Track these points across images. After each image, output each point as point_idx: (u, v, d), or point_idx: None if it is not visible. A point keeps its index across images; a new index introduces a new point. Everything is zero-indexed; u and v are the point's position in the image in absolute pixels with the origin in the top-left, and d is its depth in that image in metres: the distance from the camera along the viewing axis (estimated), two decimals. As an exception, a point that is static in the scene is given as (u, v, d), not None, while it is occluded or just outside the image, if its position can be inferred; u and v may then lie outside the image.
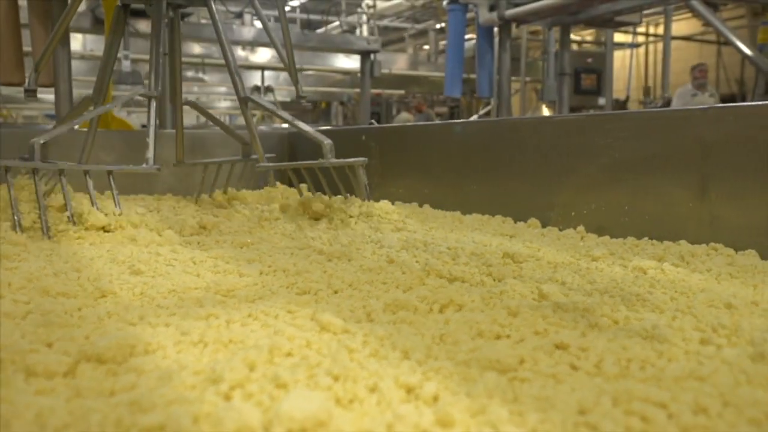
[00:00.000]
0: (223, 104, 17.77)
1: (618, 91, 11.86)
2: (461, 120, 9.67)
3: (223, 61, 8.39)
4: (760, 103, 1.80)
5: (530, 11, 4.88)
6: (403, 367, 0.89)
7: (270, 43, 8.99)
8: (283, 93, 15.22)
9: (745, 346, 0.98)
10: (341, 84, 14.73)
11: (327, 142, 2.58)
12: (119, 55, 6.94)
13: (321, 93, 15.79)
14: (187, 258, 1.69)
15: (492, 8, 5.06)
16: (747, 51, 5.13)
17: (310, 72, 13.55)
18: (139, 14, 6.57)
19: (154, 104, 2.43)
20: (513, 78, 10.63)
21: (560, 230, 2.22)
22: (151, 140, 2.28)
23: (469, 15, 6.03)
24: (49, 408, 0.73)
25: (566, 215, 2.25)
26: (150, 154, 2.27)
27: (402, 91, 14.67)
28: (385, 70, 10.82)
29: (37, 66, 2.59)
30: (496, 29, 5.33)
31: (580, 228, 2.15)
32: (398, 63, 12.14)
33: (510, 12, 4.99)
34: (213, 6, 2.83)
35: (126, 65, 6.57)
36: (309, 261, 1.66)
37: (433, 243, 1.93)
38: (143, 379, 0.84)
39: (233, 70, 2.70)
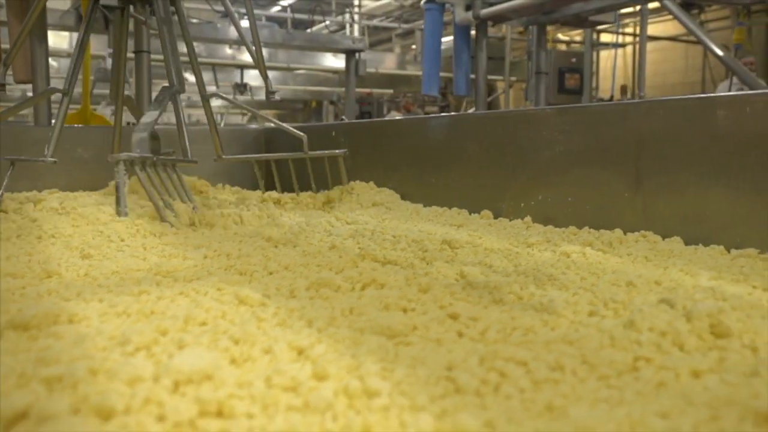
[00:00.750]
0: (213, 103, 17.80)
1: (606, 90, 11.95)
2: (423, 115, 9.73)
3: (210, 60, 8.38)
4: (688, 96, 1.89)
5: (505, 10, 4.97)
6: (302, 334, 0.97)
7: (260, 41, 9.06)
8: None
9: (625, 317, 1.06)
10: (331, 83, 14.79)
11: (304, 136, 2.78)
12: (104, 53, 7.00)
13: (311, 92, 15.84)
14: (138, 244, 1.77)
15: (468, 8, 5.15)
16: (718, 52, 5.23)
17: (300, 71, 13.60)
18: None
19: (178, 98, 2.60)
20: (499, 77, 10.75)
21: (510, 221, 2.29)
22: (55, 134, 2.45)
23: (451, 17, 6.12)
24: (-37, 363, 0.80)
25: (516, 206, 2.33)
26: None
27: (391, 91, 14.74)
28: (372, 70, 10.90)
29: (6, 61, 2.65)
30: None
31: (527, 218, 2.23)
32: (386, 62, 12.20)
33: (485, 11, 5.07)
34: (181, 4, 2.89)
35: (110, 62, 6.61)
36: (254, 247, 1.73)
37: (380, 232, 2.01)
38: (59, 342, 0.92)
39: (196, 68, 2.77)
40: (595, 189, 2.06)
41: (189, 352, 0.83)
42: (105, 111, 8.05)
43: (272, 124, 3.24)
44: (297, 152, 2.89)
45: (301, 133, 2.87)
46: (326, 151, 2.80)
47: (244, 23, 3.19)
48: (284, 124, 3.01)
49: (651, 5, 8.58)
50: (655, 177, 1.89)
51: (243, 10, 3.14)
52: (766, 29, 10.86)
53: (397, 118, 9.65)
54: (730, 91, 6.50)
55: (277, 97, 3.17)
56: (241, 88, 11.26)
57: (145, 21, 3.61)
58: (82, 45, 2.78)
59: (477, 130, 2.58)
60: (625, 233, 1.89)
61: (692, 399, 0.74)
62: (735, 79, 5.94)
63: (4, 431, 0.67)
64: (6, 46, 3.85)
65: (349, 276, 1.35)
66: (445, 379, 0.80)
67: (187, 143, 2.68)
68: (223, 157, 2.82)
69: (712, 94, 1.77)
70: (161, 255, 1.65)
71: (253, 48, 2.97)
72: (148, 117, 2.59)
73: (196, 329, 0.99)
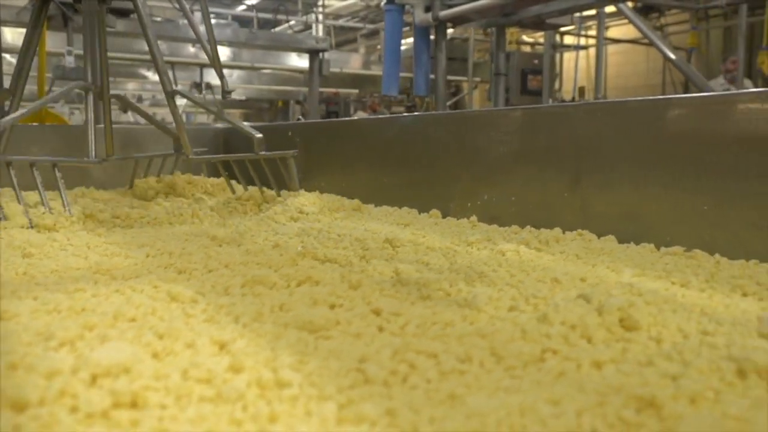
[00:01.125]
0: (178, 102, 17.66)
1: (568, 92, 12.11)
2: (378, 116, 9.79)
3: (173, 58, 8.29)
4: (624, 99, 1.95)
5: (464, 12, 5.03)
6: (227, 329, 1.00)
7: (223, 41, 9.02)
8: (238, 91, 15.21)
9: (543, 312, 1.10)
10: (297, 83, 14.76)
11: (258, 136, 2.77)
12: (62, 50, 6.93)
13: (277, 92, 15.81)
14: (82, 243, 1.78)
15: (427, 9, 5.20)
16: (671, 55, 5.34)
17: (266, 70, 13.56)
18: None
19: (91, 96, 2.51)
20: (464, 78, 10.83)
21: (457, 220, 2.34)
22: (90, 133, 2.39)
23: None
24: None
25: (463, 206, 2.38)
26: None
27: (357, 91, 14.76)
28: (337, 70, 10.91)
29: None
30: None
31: (473, 218, 2.28)
32: (351, 62, 12.22)
33: (444, 13, 5.13)
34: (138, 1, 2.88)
35: (70, 61, 6.56)
36: (198, 246, 1.75)
37: (327, 231, 2.04)
38: (-15, 338, 0.93)
39: (159, 66, 2.75)
40: (537, 189, 2.12)
41: (109, 346, 0.86)
42: (63, 109, 7.96)
43: (233, 123, 3.26)
44: (249, 153, 2.91)
45: (257, 133, 2.88)
46: (277, 152, 2.81)
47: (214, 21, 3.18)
48: (241, 124, 3.02)
49: (611, 9, 8.72)
50: (593, 177, 1.95)
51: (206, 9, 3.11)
52: (723, 33, 11.11)
53: (355, 118, 9.69)
54: (720, 89, 6.59)
55: (234, 96, 3.21)
56: (201, 87, 11.19)
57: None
58: (31, 42, 2.75)
59: (426, 131, 2.63)
60: (564, 232, 1.94)
61: (585, 387, 0.78)
62: (722, 79, 6.05)
63: None
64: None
65: (286, 274, 1.38)
66: (355, 370, 0.84)
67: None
68: (193, 156, 2.81)
69: (644, 98, 1.83)
70: (103, 254, 1.66)
71: (209, 46, 2.98)
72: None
73: (124, 325, 1.01)
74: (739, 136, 1.60)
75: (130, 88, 14.86)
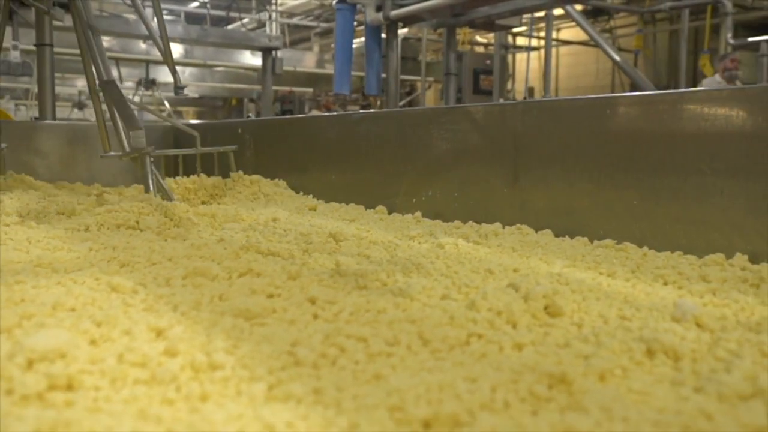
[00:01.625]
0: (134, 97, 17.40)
1: (521, 92, 12.30)
2: (322, 114, 9.84)
3: (123, 54, 8.14)
4: (558, 98, 2.02)
5: (414, 12, 5.09)
6: (165, 317, 1.02)
7: (175, 38, 8.93)
8: (191, 89, 15.07)
9: (472, 299, 1.15)
10: (251, 81, 14.67)
11: (196, 133, 2.81)
12: (8, 45, 6.79)
13: (230, 89, 15.69)
14: (22, 237, 1.77)
15: (379, 8, 5.25)
16: (616, 57, 5.49)
17: (219, 68, 13.46)
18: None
19: None
20: (418, 78, 10.91)
21: (402, 215, 2.39)
22: None
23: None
24: None
25: (408, 202, 2.43)
26: None
27: (312, 90, 14.74)
28: (290, 68, 10.90)
29: None
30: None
31: (418, 213, 2.33)
32: (305, 61, 12.21)
33: (395, 12, 5.18)
34: None
35: (15, 56, 6.43)
36: (142, 240, 1.77)
37: (272, 226, 2.07)
38: None
39: (95, 52, 2.68)
40: (479, 185, 2.17)
41: (45, 332, 0.88)
42: (8, 105, 7.80)
43: (172, 122, 3.28)
44: (190, 148, 2.98)
45: (194, 131, 2.97)
46: (218, 147, 2.90)
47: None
48: (179, 121, 3.09)
49: (560, 11, 8.89)
50: (530, 173, 2.01)
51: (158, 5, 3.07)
52: (669, 36, 11.40)
53: (303, 116, 9.72)
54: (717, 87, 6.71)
55: (187, 93, 3.23)
56: (148, 83, 11.06)
57: (48, 11, 3.50)
58: None
59: (371, 129, 2.67)
60: (504, 227, 2.00)
61: (502, 366, 0.83)
62: (718, 77, 6.18)
63: None
64: None
65: (228, 266, 1.40)
66: (287, 353, 0.88)
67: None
68: (110, 154, 2.81)
69: (578, 97, 1.90)
70: (45, 248, 1.66)
71: (161, 42, 2.95)
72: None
73: (63, 314, 1.03)
74: (664, 134, 1.68)
75: (80, 85, 14.61)
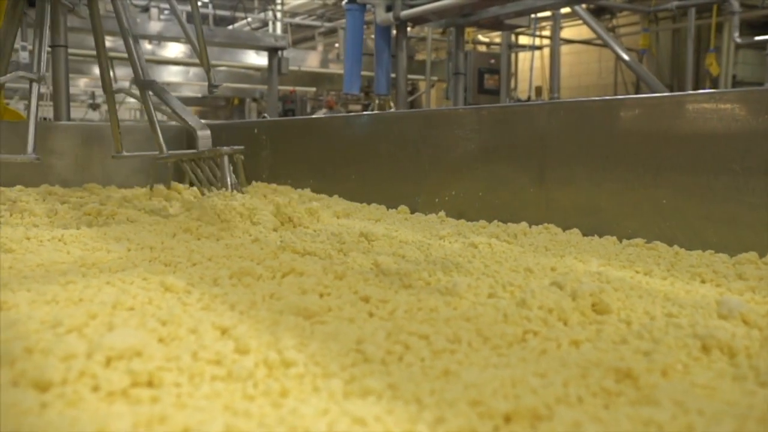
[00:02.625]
0: (130, 99, 17.40)
1: (524, 91, 12.32)
2: (345, 114, 9.86)
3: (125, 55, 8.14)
4: (586, 99, 2.04)
5: (424, 12, 5.11)
6: (225, 316, 1.05)
7: (177, 38, 8.94)
8: (195, 89, 15.10)
9: (519, 297, 1.18)
10: (253, 80, 14.69)
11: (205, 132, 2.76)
12: (16, 45, 6.82)
13: (233, 89, 15.70)
14: (57, 239, 1.79)
15: (388, 8, 5.27)
16: (625, 57, 5.51)
17: (222, 68, 13.48)
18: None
19: (35, 88, 2.35)
20: (422, 77, 10.93)
21: (425, 215, 2.41)
22: (32, 127, 2.24)
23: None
24: None
25: (431, 202, 2.45)
26: (30, 142, 2.22)
27: (314, 89, 14.76)
28: (294, 68, 10.91)
29: None
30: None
31: (441, 213, 2.35)
32: (309, 60, 12.22)
33: (405, 12, 5.20)
34: None
35: (24, 56, 6.47)
36: (177, 240, 1.79)
37: (302, 226, 2.09)
38: (-9, 326, 0.97)
39: (133, 53, 2.62)
40: (504, 185, 2.20)
41: (119, 331, 0.90)
42: (18, 106, 7.81)
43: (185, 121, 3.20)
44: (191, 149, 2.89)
45: (207, 129, 2.90)
46: (225, 148, 2.74)
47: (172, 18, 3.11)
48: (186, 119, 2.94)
49: (565, 10, 8.91)
50: (557, 173, 2.04)
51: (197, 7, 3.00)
52: (671, 35, 11.42)
53: (321, 116, 9.71)
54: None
55: (189, 93, 3.14)
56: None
57: (73, 8, 3.42)
58: (7, 38, 2.61)
59: (393, 129, 2.69)
60: (530, 226, 2.03)
61: (567, 362, 0.85)
62: None
63: (-53, 402, 0.73)
64: None
65: (270, 266, 1.43)
66: (354, 351, 0.90)
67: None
68: (123, 154, 2.79)
69: (606, 97, 1.92)
70: (84, 249, 1.69)
71: (197, 42, 2.84)
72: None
73: (124, 313, 1.05)
74: (694, 133, 1.70)
75: (81, 84, 14.63)
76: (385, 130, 2.72)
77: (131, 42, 2.53)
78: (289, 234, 1.93)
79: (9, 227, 2.01)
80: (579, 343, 0.96)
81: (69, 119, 4.24)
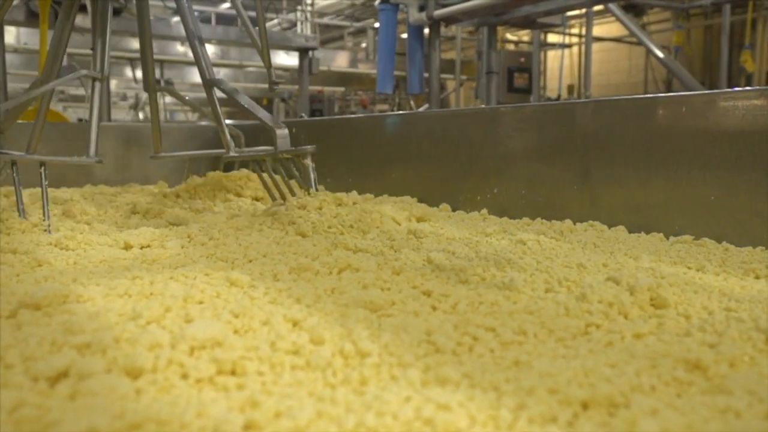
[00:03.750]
0: (168, 98, 17.60)
1: (554, 90, 12.27)
2: (380, 113, 9.87)
3: (161, 56, 8.19)
4: (631, 96, 2.05)
5: (457, 12, 5.13)
6: (294, 309, 1.08)
7: (212, 39, 9.03)
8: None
9: (577, 292, 1.20)
10: (282, 81, 14.76)
11: (239, 133, 2.77)
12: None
13: (261, 90, 15.83)
14: (111, 236, 1.84)
15: (421, 8, 5.30)
16: (660, 54, 5.47)
17: (251, 68, 13.61)
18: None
19: (98, 87, 2.27)
20: (450, 76, 10.95)
21: (467, 213, 2.43)
22: (93, 128, 2.16)
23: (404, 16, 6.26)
24: (-4, 335, 0.90)
25: (473, 200, 2.47)
26: (92, 144, 2.16)
27: (343, 89, 14.83)
28: (324, 68, 10.98)
29: None
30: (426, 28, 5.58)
31: (484, 211, 2.37)
32: (338, 60, 12.29)
33: (438, 12, 5.23)
34: None
35: (63, 59, 6.58)
36: (228, 236, 1.83)
37: (347, 223, 2.12)
38: (74, 317, 1.01)
39: (198, 53, 2.50)
40: (547, 182, 2.21)
41: (198, 323, 0.94)
42: (56, 107, 7.96)
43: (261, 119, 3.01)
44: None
45: (238, 131, 2.85)
46: (296, 148, 2.66)
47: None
48: (226, 122, 2.89)
49: (597, 7, 8.86)
50: (601, 170, 2.05)
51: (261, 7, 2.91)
52: (704, 31, 11.31)
53: (361, 115, 9.73)
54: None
55: (278, 89, 3.02)
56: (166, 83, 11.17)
57: (125, 5, 3.34)
58: (63, 35, 2.55)
59: (433, 128, 2.71)
60: (574, 223, 2.04)
61: (635, 353, 0.88)
62: None
63: (49, 387, 0.77)
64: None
65: (326, 262, 1.46)
66: (425, 342, 0.93)
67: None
68: (162, 154, 2.75)
69: (652, 95, 1.93)
70: (140, 246, 1.73)
71: (260, 40, 2.76)
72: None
73: (196, 307, 1.09)
74: (743, 130, 1.71)
75: (112, 85, 14.83)
76: (425, 129, 2.75)
77: (196, 42, 2.44)
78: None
79: (66, 226, 2.07)
80: (642, 336, 0.98)
81: (110, 120, 4.33)
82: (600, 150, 2.06)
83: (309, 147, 2.32)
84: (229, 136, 2.39)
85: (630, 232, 1.90)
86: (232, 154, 2.37)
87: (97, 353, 0.85)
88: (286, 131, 2.29)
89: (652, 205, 1.91)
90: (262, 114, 2.35)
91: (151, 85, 2.64)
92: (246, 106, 2.38)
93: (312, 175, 2.33)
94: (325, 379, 0.82)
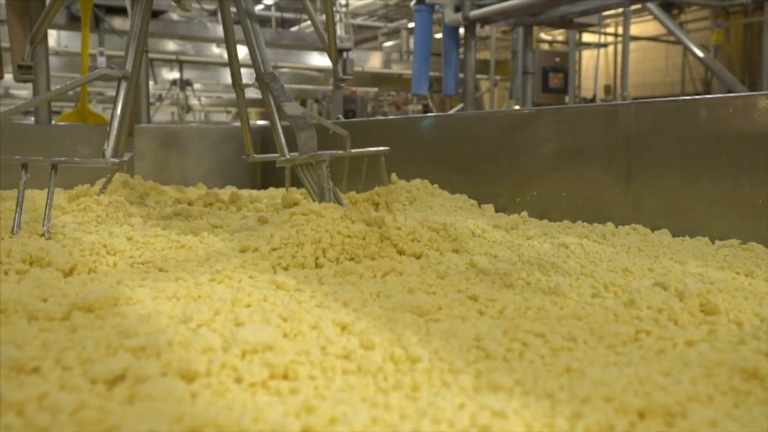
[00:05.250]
0: (205, 99, 17.75)
1: (589, 89, 12.15)
2: (420, 115, 9.86)
3: (198, 58, 8.26)
4: (674, 98, 2.02)
5: (493, 12, 5.11)
6: (341, 313, 1.08)
7: (242, 41, 9.11)
8: (257, 91, 15.31)
9: (625, 298, 1.19)
10: (315, 81, 14.85)
11: (346, 133, 2.56)
12: (94, 50, 7.06)
13: (296, 91, 15.91)
14: (154, 236, 1.86)
15: (457, 9, 5.28)
16: (699, 53, 5.38)
17: (284, 69, 13.69)
18: (115, 11, 6.69)
19: (124, 85, 2.18)
20: (484, 77, 10.90)
21: (507, 215, 2.42)
22: (114, 128, 2.10)
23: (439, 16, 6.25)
24: (53, 339, 0.91)
25: (512, 202, 2.46)
26: (111, 145, 2.08)
27: (376, 89, 14.84)
28: (357, 68, 11.01)
29: (32, 39, 2.46)
30: (462, 29, 5.55)
31: (524, 213, 2.36)
32: (371, 61, 12.29)
33: (474, 13, 5.21)
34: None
35: (101, 62, 6.69)
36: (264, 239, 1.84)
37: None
38: (127, 320, 1.03)
39: (254, 47, 2.42)
40: (588, 185, 2.19)
41: (249, 327, 0.95)
42: (96, 108, 8.09)
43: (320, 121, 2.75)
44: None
45: (344, 131, 2.66)
46: (368, 149, 2.45)
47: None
48: (326, 121, 2.75)
49: (634, 6, 8.75)
50: (644, 173, 2.02)
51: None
52: (743, 30, 11.11)
53: (401, 116, 9.73)
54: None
55: (251, 95, 2.89)
56: (183, 84, 11.34)
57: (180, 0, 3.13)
58: (143, 25, 2.43)
59: (472, 130, 2.71)
60: (616, 226, 2.02)
61: (688, 361, 0.86)
62: None
63: (107, 390, 0.78)
64: (6, 44, 3.90)
65: (369, 265, 1.46)
66: (475, 347, 0.93)
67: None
68: (253, 156, 2.69)
69: (695, 96, 1.90)
70: (183, 247, 1.74)
71: (327, 37, 2.62)
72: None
73: (244, 310, 1.10)
74: (793, 133, 1.67)
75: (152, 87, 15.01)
76: (464, 131, 2.74)
77: (251, 34, 2.35)
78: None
79: (109, 227, 2.10)
80: (694, 343, 0.96)
81: (149, 121, 4.39)
82: (643, 152, 2.03)
83: (382, 148, 2.25)
84: (283, 139, 2.30)
85: (674, 235, 1.88)
86: (285, 157, 2.29)
87: (151, 356, 0.86)
88: (312, 132, 2.17)
89: (696, 208, 1.88)
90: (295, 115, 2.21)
91: (237, 83, 2.54)
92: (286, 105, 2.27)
93: (387, 178, 2.28)
94: (376, 384, 0.83)
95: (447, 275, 1.34)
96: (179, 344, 0.90)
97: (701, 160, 1.87)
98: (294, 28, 12.67)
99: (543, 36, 13.29)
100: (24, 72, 2.40)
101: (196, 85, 15.11)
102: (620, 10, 8.29)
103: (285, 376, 0.84)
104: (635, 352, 0.93)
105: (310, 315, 1.05)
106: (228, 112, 17.31)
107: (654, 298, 1.12)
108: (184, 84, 12.05)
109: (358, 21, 14.81)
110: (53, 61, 9.37)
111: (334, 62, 2.43)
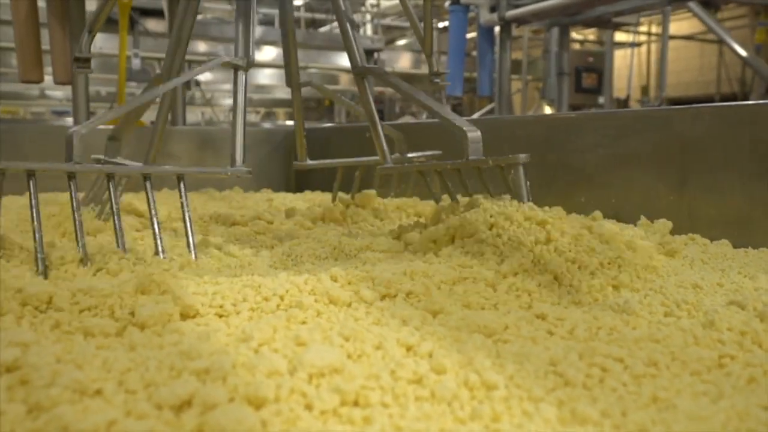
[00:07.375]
0: (229, 101, 17.82)
1: (621, 89, 12.00)
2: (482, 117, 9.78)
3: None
4: (732, 103, 1.95)
5: (530, 12, 5.04)
6: (403, 332, 1.04)
7: (273, 42, 9.10)
8: (288, 91, 15.35)
9: (701, 318, 1.13)
10: (344, 82, 14.83)
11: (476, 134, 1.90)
12: (129, 53, 7.10)
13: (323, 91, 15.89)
14: (205, 245, 1.84)
15: (493, 9, 5.22)
16: (742, 52, 5.27)
17: (313, 70, 13.69)
18: (149, 13, 6.72)
19: (242, 77, 1.84)
20: (515, 77, 10.79)
21: (553, 223, 2.36)
22: (239, 131, 1.79)
23: (473, 15, 6.19)
24: (114, 357, 0.88)
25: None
26: (238, 151, 1.79)
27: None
28: (387, 68, 10.97)
29: (91, 28, 2.35)
30: (497, 29, 5.49)
31: (571, 220, 2.29)
32: (401, 61, 12.25)
33: (510, 13, 5.14)
34: None
35: (136, 63, 6.73)
36: (304, 248, 1.81)
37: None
38: (185, 338, 1.00)
39: (350, 39, 2.15)
40: (639, 191, 2.13)
41: (314, 348, 0.91)
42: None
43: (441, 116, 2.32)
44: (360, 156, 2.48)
45: (398, 133, 2.43)
46: (507, 156, 1.87)
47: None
48: (447, 117, 2.06)
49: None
50: (701, 180, 1.95)
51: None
52: (782, 28, 10.88)
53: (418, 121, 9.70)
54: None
55: (280, 95, 2.74)
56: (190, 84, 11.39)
57: None
58: (185, 24, 2.22)
59: (516, 134, 2.65)
60: (671, 236, 1.95)
61: (787, 393, 0.81)
62: None
63: (174, 417, 0.75)
64: (46, 46, 3.91)
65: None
66: (552, 373, 0.88)
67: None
68: (309, 162, 2.50)
69: (757, 101, 1.83)
70: (229, 256, 1.72)
71: (424, 34, 2.41)
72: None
73: (300, 327, 1.06)
74: None
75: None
76: (508, 135, 2.68)
77: (348, 26, 2.12)
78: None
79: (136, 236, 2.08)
80: (786, 371, 0.91)
81: (185, 123, 4.38)
82: (699, 159, 1.96)
83: (522, 155, 1.83)
84: (384, 142, 2.04)
85: (734, 247, 1.81)
86: (388, 164, 2.01)
87: (217, 380, 0.82)
88: (479, 134, 1.77)
89: (757, 218, 1.81)
90: (442, 109, 1.89)
91: (294, 81, 2.37)
92: (421, 99, 1.97)
93: (525, 189, 1.87)
94: (453, 413, 0.78)
95: (510, 290, 1.29)
96: (243, 366, 0.86)
97: (763, 168, 1.80)
98: (324, 29, 12.67)
99: (574, 35, 13.15)
100: (81, 65, 2.27)
101: (225, 86, 15.19)
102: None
103: (356, 403, 0.80)
104: (723, 380, 0.87)
105: (372, 334, 1.01)
106: (257, 113, 17.35)
107: (733, 318, 1.07)
108: (195, 84, 12.04)
109: (388, 21, 14.76)
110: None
111: (428, 55, 2.15)
